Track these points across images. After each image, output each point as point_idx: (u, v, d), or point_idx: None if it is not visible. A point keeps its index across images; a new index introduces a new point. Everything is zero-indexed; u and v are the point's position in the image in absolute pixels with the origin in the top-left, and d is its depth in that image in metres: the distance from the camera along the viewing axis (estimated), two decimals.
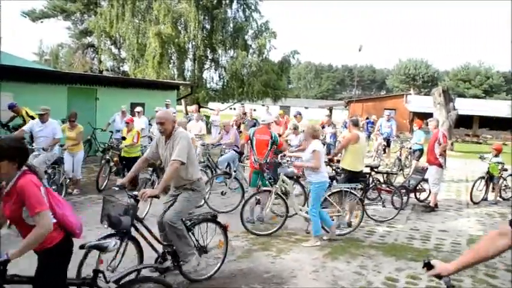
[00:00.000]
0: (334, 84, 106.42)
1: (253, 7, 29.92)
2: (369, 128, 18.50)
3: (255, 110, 29.71)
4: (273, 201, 7.49)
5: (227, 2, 28.78)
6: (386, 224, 8.38)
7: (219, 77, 29.62)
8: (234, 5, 29.39)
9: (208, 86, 29.54)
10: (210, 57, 29.26)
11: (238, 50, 27.67)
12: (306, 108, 68.33)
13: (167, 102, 14.85)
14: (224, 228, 5.65)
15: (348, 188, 7.45)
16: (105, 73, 30.75)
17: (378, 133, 15.95)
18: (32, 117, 10.47)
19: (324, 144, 15.86)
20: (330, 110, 31.86)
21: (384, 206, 8.96)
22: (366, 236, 7.58)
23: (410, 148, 13.59)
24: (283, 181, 7.38)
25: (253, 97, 28.32)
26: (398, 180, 12.18)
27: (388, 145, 15.66)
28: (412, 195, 10.13)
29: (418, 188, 10.32)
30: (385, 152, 15.62)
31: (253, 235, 7.33)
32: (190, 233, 5.28)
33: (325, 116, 17.72)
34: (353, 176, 8.00)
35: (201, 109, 16.19)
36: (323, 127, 16.39)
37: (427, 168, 10.03)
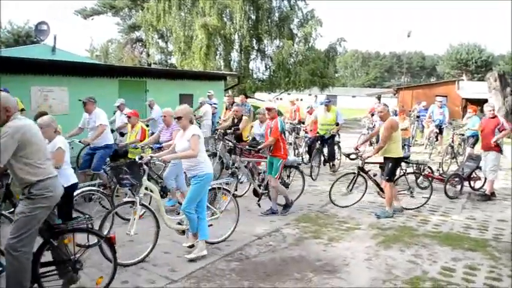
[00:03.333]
0: (382, 72, 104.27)
1: None
2: (421, 116, 17.92)
3: (301, 99, 29.42)
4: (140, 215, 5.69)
5: None
6: (441, 213, 8.16)
7: (266, 67, 29.57)
8: None
9: (254, 76, 29.54)
10: (256, 48, 29.22)
11: (284, 40, 27.52)
12: (354, 97, 67.39)
13: (209, 93, 14.81)
14: (108, 241, 4.69)
15: (220, 184, 6.50)
16: (153, 66, 31.32)
17: (430, 120, 15.50)
18: (23, 110, 9.20)
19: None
20: (379, 98, 31.13)
21: (412, 196, 8.57)
22: (420, 225, 7.38)
23: (463, 135, 13.14)
24: (147, 188, 5.77)
25: (300, 86, 28.11)
26: (452, 168, 11.86)
27: (441, 132, 15.18)
28: (466, 183, 9.79)
29: (472, 176, 9.95)
30: (437, 140, 15.16)
31: (305, 223, 7.35)
32: (47, 248, 4.39)
33: (374, 103, 17.43)
34: (397, 163, 7.95)
35: (248, 99, 16.18)
36: (372, 115, 16.14)
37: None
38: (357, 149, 8.60)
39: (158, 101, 13.25)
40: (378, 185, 8.29)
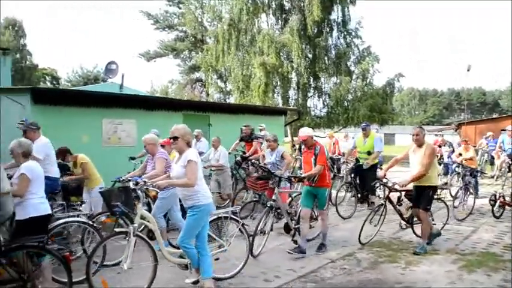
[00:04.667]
0: (440, 109, 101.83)
1: (353, 33, 29.81)
2: (490, 147, 17.19)
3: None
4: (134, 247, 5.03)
5: (328, 30, 28.90)
6: None
7: (323, 103, 29.55)
8: (335, 33, 29.41)
9: (312, 113, 29.54)
10: (313, 85, 29.35)
11: (342, 76, 27.52)
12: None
13: (261, 126, 14.22)
14: (64, 260, 4.65)
15: (227, 213, 5.80)
16: None
17: (500, 150, 14.81)
18: None
19: (440, 164, 15.11)
20: (440, 130, 30.36)
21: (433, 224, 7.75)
22: (504, 252, 6.96)
23: None
24: (142, 216, 5.26)
25: (358, 122, 27.79)
26: None
27: None
28: None
29: None
30: (510, 170, 14.40)
31: (379, 248, 7.10)
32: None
33: (439, 135, 16.99)
34: (435, 191, 7.35)
35: None
36: (439, 146, 15.66)
37: None
38: (384, 177, 7.62)
39: (221, 135, 13.38)
40: (401, 215, 7.56)
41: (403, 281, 5.64)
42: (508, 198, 9.98)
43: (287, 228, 7.35)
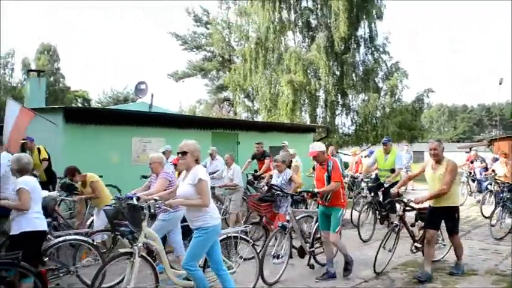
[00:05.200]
0: (470, 125, 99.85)
1: (381, 49, 29.61)
2: None
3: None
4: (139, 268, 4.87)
5: (355, 46, 28.80)
6: None
7: (351, 121, 29.29)
8: (362, 49, 29.29)
9: (340, 131, 29.28)
10: (341, 102, 29.17)
11: (370, 93, 27.29)
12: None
13: (283, 143, 13.65)
14: (39, 276, 4.58)
15: (237, 232, 5.53)
16: None
17: None
18: (45, 159, 9.46)
19: (474, 181, 14.74)
20: (470, 148, 29.68)
21: (444, 245, 7.35)
22: None
23: None
24: (147, 236, 5.05)
25: None
26: None
27: None
28: None
29: None
30: None
31: (413, 267, 6.88)
32: None
33: (472, 150, 16.63)
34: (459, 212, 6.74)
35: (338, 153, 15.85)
36: (472, 162, 15.30)
37: None
38: (398, 194, 7.19)
39: (248, 153, 13.31)
40: (413, 237, 7.02)
41: None
42: None
43: (301, 252, 6.89)
